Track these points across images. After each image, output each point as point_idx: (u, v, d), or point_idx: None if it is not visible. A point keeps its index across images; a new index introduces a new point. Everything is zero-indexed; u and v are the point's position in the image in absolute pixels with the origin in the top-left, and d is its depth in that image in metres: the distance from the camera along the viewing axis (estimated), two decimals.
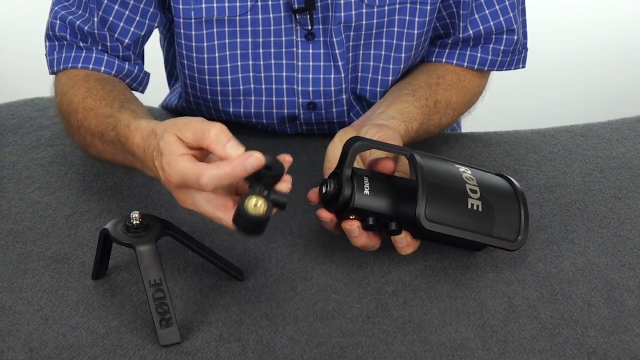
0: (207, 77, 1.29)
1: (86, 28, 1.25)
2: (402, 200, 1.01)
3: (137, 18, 1.26)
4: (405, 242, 1.04)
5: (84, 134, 1.19)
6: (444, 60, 1.33)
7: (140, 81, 1.30)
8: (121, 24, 1.25)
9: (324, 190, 1.02)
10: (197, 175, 0.92)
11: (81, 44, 1.26)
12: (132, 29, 1.26)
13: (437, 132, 1.31)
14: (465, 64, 1.32)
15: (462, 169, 1.05)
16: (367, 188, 1.01)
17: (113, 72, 1.26)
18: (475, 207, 1.02)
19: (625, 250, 1.12)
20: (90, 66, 1.25)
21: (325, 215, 1.03)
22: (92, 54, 1.26)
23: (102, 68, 1.26)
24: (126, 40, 1.26)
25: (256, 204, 0.92)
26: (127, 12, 1.25)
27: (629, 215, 1.19)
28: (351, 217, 1.02)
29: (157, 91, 1.53)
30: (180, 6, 1.24)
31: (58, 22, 1.26)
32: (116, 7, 1.24)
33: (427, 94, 1.27)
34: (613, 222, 1.17)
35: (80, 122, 1.19)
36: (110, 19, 1.25)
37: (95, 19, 1.25)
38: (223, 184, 0.93)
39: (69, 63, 1.26)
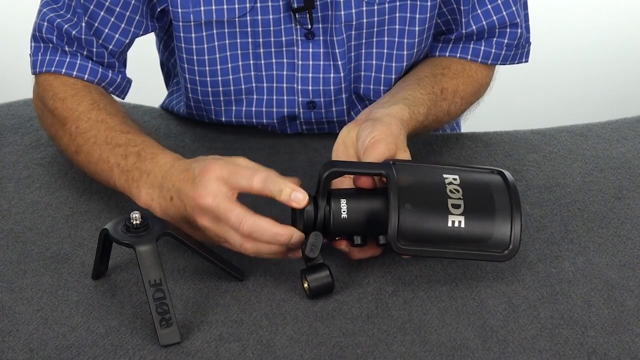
0: (208, 78, 1.29)
1: (74, 32, 1.25)
2: (381, 218, 1.00)
3: (123, 25, 1.26)
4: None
5: (79, 142, 1.18)
6: (447, 54, 1.34)
7: (123, 89, 1.31)
8: (106, 31, 1.25)
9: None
10: (252, 173, 1.00)
11: (67, 48, 1.26)
12: (116, 36, 1.26)
13: (448, 120, 1.30)
14: (469, 57, 1.32)
15: (449, 178, 1.02)
16: (344, 212, 1.01)
17: (96, 80, 1.26)
18: (457, 224, 1.00)
19: (625, 250, 1.12)
20: (74, 73, 1.25)
21: None
22: (77, 60, 1.25)
23: (86, 76, 1.25)
24: (110, 47, 1.26)
25: (305, 286, 1.03)
26: (112, 19, 1.25)
27: (629, 215, 1.18)
28: (337, 238, 1.04)
29: (157, 91, 1.53)
30: (179, 10, 1.24)
31: (45, 24, 1.26)
32: (102, 13, 1.25)
33: (433, 82, 1.27)
34: (613, 222, 1.17)
35: (82, 130, 1.18)
36: (96, 24, 1.25)
37: (83, 24, 1.25)
38: (268, 190, 1.00)
39: (52, 67, 1.25)
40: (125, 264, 1.08)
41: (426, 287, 1.06)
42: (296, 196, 0.99)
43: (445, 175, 1.02)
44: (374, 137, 1.09)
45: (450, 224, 1.00)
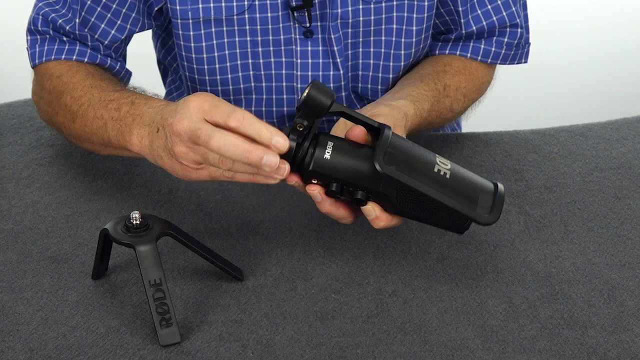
0: (207, 77, 1.30)
1: (68, 27, 1.25)
2: (365, 167, 0.98)
3: (119, 22, 1.26)
4: (374, 214, 1.00)
5: (74, 109, 1.19)
6: (447, 52, 1.34)
7: (122, 77, 1.31)
8: (102, 26, 1.26)
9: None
10: (231, 110, 0.95)
11: (64, 38, 1.27)
12: (112, 32, 1.26)
13: (451, 117, 1.31)
14: (469, 54, 1.33)
15: (441, 160, 1.01)
16: (328, 152, 0.98)
17: (96, 64, 1.27)
18: (442, 173, 0.98)
19: (625, 250, 1.12)
20: (74, 57, 1.25)
21: (291, 179, 1.00)
22: (75, 47, 1.26)
23: (86, 59, 1.26)
24: (106, 42, 1.27)
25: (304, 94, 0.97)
26: (109, 15, 1.26)
27: (629, 215, 1.18)
28: (314, 181, 1.00)
29: (158, 91, 1.53)
30: (177, 7, 1.24)
31: (40, 17, 1.27)
32: (98, 9, 1.25)
33: (435, 79, 1.27)
34: (613, 222, 1.17)
35: (77, 97, 1.19)
36: (92, 19, 1.25)
37: (77, 20, 1.25)
38: (249, 130, 0.95)
39: (52, 55, 1.26)
40: (125, 264, 1.08)
41: (426, 287, 1.06)
42: (277, 140, 0.95)
43: (438, 157, 1.01)
44: (374, 112, 1.09)
45: (436, 170, 0.98)
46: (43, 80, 1.26)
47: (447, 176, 0.99)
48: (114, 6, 1.25)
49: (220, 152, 0.95)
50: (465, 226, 1.02)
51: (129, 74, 1.32)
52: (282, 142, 0.95)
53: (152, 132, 1.06)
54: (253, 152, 0.94)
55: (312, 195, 1.00)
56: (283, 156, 0.97)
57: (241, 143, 0.95)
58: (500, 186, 1.02)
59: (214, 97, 0.99)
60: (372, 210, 1.01)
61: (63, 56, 1.25)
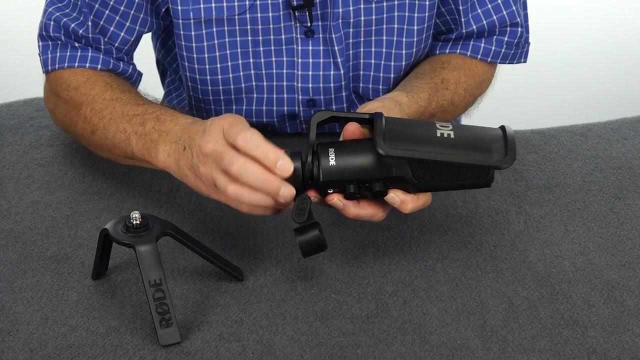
0: (208, 77, 1.30)
1: (80, 32, 1.25)
2: (371, 158, 0.99)
3: (127, 24, 1.26)
4: (398, 200, 1.01)
5: (95, 121, 1.19)
6: (447, 51, 1.34)
7: (134, 80, 1.31)
8: (111, 29, 1.26)
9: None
10: (239, 130, 0.99)
11: (76, 44, 1.26)
12: (122, 34, 1.27)
13: (454, 111, 1.30)
14: (469, 53, 1.33)
15: (442, 124, 1.01)
16: (332, 159, 0.99)
17: (109, 70, 1.27)
18: (446, 135, 0.99)
19: (625, 250, 1.12)
20: (87, 65, 1.26)
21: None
22: (88, 53, 1.26)
23: (99, 66, 1.26)
24: (117, 44, 1.27)
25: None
26: (117, 18, 1.26)
27: (629, 215, 1.19)
28: (330, 191, 1.01)
29: (156, 91, 1.53)
30: (179, 7, 1.24)
31: (52, 23, 1.26)
32: (107, 12, 1.25)
33: (432, 74, 1.28)
34: (613, 222, 1.17)
35: (97, 110, 1.19)
36: (101, 23, 1.25)
37: (89, 23, 1.25)
38: (258, 153, 0.98)
39: (65, 62, 1.26)
40: (125, 264, 1.08)
41: (426, 287, 1.06)
42: (281, 164, 0.98)
43: (437, 123, 1.02)
44: (369, 109, 1.09)
45: (439, 135, 0.99)
46: (59, 90, 1.26)
47: (452, 136, 0.99)
48: (122, 8, 1.25)
49: (240, 179, 0.99)
50: (490, 177, 1.02)
51: (140, 76, 1.32)
52: (286, 165, 0.98)
53: (179, 150, 1.08)
54: (272, 182, 0.98)
55: (334, 205, 1.02)
56: (296, 179, 0.99)
57: (261, 172, 0.98)
58: (508, 128, 1.02)
59: (235, 117, 1.02)
60: (396, 197, 1.01)
61: (76, 64, 1.25)
